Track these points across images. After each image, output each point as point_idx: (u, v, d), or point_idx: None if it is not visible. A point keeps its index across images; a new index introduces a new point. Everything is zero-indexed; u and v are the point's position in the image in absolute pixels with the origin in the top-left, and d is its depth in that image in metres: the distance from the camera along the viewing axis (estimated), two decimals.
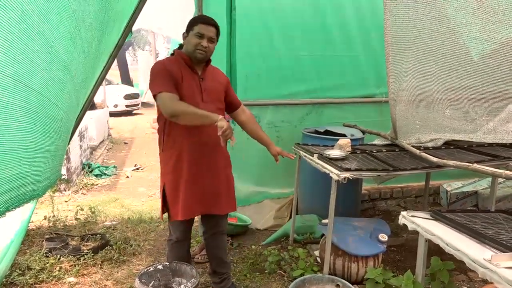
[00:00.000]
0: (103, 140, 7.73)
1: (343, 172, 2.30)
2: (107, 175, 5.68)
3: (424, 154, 2.48)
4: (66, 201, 4.49)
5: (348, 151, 2.72)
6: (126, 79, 17.03)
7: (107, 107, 9.91)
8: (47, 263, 2.83)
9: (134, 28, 2.96)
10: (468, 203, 3.96)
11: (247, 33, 3.32)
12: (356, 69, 3.80)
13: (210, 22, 2.08)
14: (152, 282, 2.12)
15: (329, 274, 2.47)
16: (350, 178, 2.29)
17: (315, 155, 2.69)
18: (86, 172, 5.59)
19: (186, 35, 2.12)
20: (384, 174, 2.43)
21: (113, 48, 2.85)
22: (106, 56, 2.78)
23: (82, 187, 5.05)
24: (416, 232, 1.91)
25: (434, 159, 2.36)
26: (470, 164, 2.16)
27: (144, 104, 14.12)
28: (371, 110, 3.92)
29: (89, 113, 6.21)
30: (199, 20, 2.08)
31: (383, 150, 2.87)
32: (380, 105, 3.84)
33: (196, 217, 2.38)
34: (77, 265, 2.85)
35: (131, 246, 3.18)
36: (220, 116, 1.96)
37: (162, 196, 2.22)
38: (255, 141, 2.47)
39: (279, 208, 3.71)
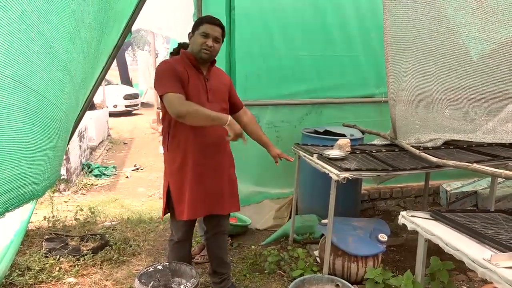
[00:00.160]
0: (102, 140, 7.72)
1: (342, 172, 2.30)
2: (107, 175, 5.67)
3: (423, 154, 2.49)
4: (65, 202, 4.49)
5: (348, 151, 2.72)
6: (126, 79, 17.03)
7: (107, 107, 9.89)
8: (47, 263, 2.83)
9: (133, 28, 2.96)
10: (468, 203, 3.96)
11: (247, 33, 3.32)
12: (356, 69, 3.81)
13: (215, 22, 2.09)
14: (152, 283, 2.11)
15: (328, 274, 2.47)
16: (350, 178, 2.29)
17: (315, 155, 2.70)
18: (86, 173, 5.58)
19: (191, 35, 2.12)
20: (384, 174, 2.43)
21: (112, 49, 2.85)
22: (106, 56, 2.78)
23: (82, 187, 5.04)
24: (415, 232, 1.91)
25: (434, 159, 2.37)
26: (470, 164, 2.16)
27: (144, 105, 14.09)
28: (370, 110, 3.92)
29: (88, 114, 6.21)
30: (205, 20, 2.09)
31: (383, 150, 2.87)
32: (380, 105, 3.84)
33: None
34: (76, 266, 2.85)
35: (131, 246, 3.18)
36: (230, 117, 1.96)
37: (165, 195, 2.22)
38: (255, 142, 2.47)
39: (278, 208, 3.71)
